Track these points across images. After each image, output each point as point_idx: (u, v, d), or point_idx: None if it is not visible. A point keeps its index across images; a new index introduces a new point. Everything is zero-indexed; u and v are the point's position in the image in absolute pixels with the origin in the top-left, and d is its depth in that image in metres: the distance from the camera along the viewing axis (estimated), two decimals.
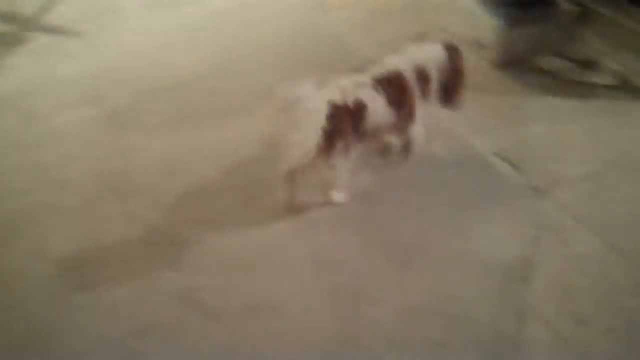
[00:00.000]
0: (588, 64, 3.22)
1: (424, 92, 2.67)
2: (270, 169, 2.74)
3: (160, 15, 3.81)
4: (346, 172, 2.59)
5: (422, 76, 2.65)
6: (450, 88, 2.72)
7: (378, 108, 2.55)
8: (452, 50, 2.73)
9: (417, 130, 2.73)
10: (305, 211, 2.58)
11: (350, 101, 2.48)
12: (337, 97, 2.47)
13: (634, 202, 2.57)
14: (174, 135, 2.95)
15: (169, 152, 2.86)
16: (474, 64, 3.01)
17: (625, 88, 3.15)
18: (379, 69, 2.62)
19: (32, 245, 2.46)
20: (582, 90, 3.15)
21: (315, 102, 2.43)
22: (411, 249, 2.42)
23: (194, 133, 2.97)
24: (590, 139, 2.88)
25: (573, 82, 3.19)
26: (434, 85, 2.68)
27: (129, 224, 2.52)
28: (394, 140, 2.78)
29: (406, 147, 2.79)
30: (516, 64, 3.27)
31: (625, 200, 2.58)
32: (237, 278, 2.33)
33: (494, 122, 2.96)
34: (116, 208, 2.59)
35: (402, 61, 2.66)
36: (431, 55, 2.70)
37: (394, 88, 2.59)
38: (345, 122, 2.47)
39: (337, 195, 2.64)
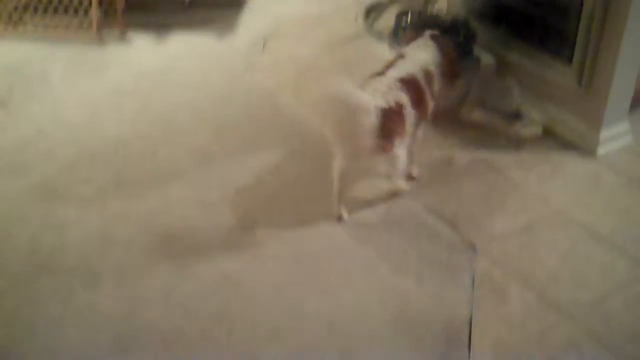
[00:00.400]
0: (513, 116, 3.30)
1: (431, 93, 2.88)
2: (209, 236, 2.74)
3: (86, 80, 3.74)
4: (404, 162, 2.75)
5: (429, 78, 2.86)
6: (448, 75, 2.96)
7: (409, 108, 2.73)
8: (440, 41, 2.99)
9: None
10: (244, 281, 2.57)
11: (393, 102, 2.66)
12: (381, 100, 2.64)
13: (569, 256, 2.64)
14: (109, 205, 2.89)
15: (104, 223, 2.80)
16: None
17: (550, 138, 3.25)
18: (397, 72, 2.80)
19: None
20: (510, 142, 3.23)
21: (362, 101, 2.60)
22: (350, 314, 2.42)
23: (129, 201, 2.91)
24: (521, 191, 2.95)
25: (501, 134, 3.27)
26: (437, 83, 2.90)
27: (65, 304, 2.45)
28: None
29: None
30: (444, 118, 3.34)
31: (560, 255, 2.64)
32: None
33: (425, 178, 3.00)
34: (50, 288, 2.51)
35: (412, 64, 2.86)
36: (429, 53, 2.93)
37: (414, 90, 2.78)
38: (396, 120, 2.66)
39: (403, 183, 2.87)
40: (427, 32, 3.03)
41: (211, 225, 2.80)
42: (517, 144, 3.21)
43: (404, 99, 2.70)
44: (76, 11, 4.14)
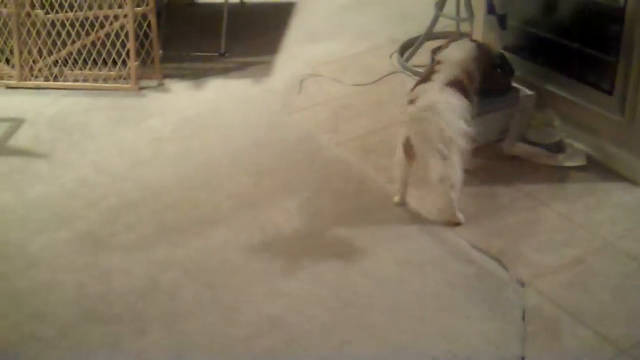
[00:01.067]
0: (555, 147, 3.26)
1: (474, 92, 3.01)
2: (253, 279, 2.73)
3: (127, 129, 3.79)
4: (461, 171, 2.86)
5: (470, 79, 2.99)
6: (487, 81, 3.12)
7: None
8: (482, 47, 3.18)
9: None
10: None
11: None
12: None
13: (623, 289, 2.57)
14: (153, 252, 2.90)
15: (148, 270, 2.80)
16: None
17: (595, 169, 3.19)
18: (443, 76, 2.92)
19: None
20: (553, 174, 3.18)
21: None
22: (398, 355, 2.37)
23: (172, 247, 2.92)
24: (568, 224, 2.90)
25: (543, 166, 3.23)
26: (477, 85, 3.02)
27: (112, 353, 2.45)
28: None
29: None
30: (484, 151, 3.31)
31: (613, 288, 2.57)
32: None
33: (470, 213, 2.96)
34: (97, 337, 2.51)
35: (453, 67, 2.99)
36: (467, 52, 3.09)
37: (460, 92, 2.89)
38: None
39: (460, 216, 2.90)
40: (471, 39, 3.26)
41: (254, 268, 2.79)
42: (562, 175, 3.16)
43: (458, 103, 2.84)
44: (115, 63, 4.22)
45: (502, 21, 3.41)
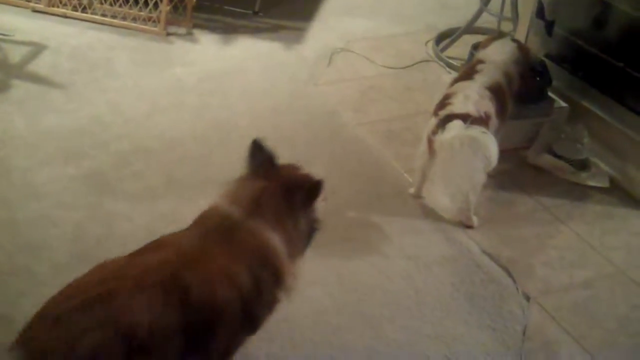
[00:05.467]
0: (580, 164, 3.18)
1: (511, 95, 2.97)
2: None
3: (151, 74, 3.71)
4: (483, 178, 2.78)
5: (510, 80, 2.95)
6: (524, 85, 3.05)
7: (494, 118, 2.78)
8: (524, 50, 3.10)
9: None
10: None
11: (483, 112, 2.73)
12: (473, 108, 2.72)
13: (629, 320, 2.50)
14: (158, 204, 2.84)
15: (151, 222, 2.74)
16: None
17: (617, 192, 3.12)
18: (486, 79, 2.88)
19: None
20: (575, 191, 3.11)
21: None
22: (391, 350, 2.32)
23: (179, 202, 2.85)
24: (583, 244, 2.83)
25: (565, 181, 3.15)
26: (515, 89, 2.99)
27: None
28: None
29: None
30: (508, 157, 3.23)
31: (619, 317, 2.51)
32: None
33: (484, 217, 2.89)
34: None
35: (496, 68, 2.95)
36: (512, 57, 3.02)
37: (499, 98, 2.84)
38: None
39: (475, 219, 2.85)
40: (513, 40, 3.18)
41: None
42: (583, 194, 3.09)
43: (492, 109, 2.78)
44: (146, 3, 4.13)
45: (549, 27, 3.31)
